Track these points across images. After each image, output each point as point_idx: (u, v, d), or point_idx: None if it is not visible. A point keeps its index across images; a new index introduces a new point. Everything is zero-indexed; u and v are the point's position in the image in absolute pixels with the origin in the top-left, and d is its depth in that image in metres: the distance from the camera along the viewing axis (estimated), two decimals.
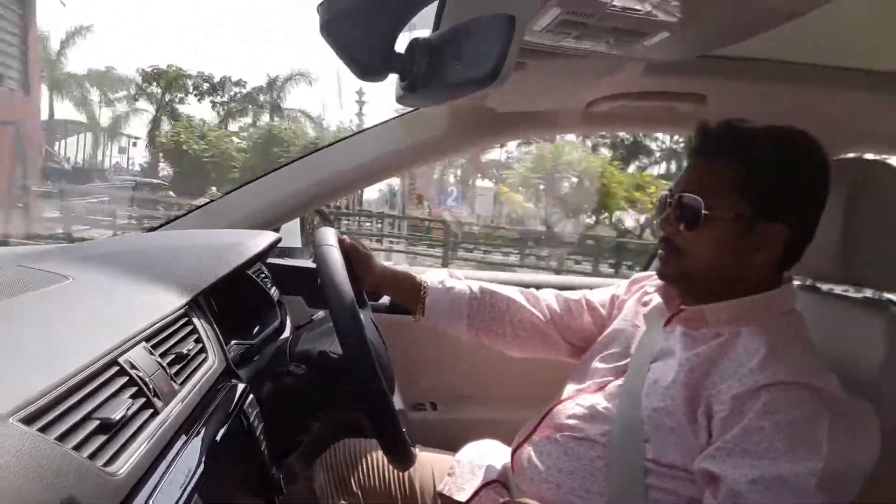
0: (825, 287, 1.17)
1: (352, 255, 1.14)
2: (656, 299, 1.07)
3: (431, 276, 1.23)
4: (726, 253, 0.93)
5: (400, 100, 0.78)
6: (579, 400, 1.02)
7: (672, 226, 0.95)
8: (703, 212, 0.91)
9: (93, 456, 0.49)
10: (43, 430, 0.46)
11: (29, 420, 0.46)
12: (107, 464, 0.50)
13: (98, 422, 0.52)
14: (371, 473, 1.17)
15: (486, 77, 0.56)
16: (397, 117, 1.45)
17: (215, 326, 0.88)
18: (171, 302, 0.79)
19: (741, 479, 0.77)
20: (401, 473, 1.17)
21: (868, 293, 1.08)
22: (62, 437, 0.48)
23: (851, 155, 1.45)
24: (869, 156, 1.46)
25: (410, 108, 1.42)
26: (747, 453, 0.78)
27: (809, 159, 0.92)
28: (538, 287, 1.29)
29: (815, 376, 0.83)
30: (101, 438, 0.51)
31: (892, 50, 1.10)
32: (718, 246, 0.92)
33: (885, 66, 1.16)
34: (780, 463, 0.76)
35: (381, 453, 1.19)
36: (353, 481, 1.15)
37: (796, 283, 1.10)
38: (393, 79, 0.70)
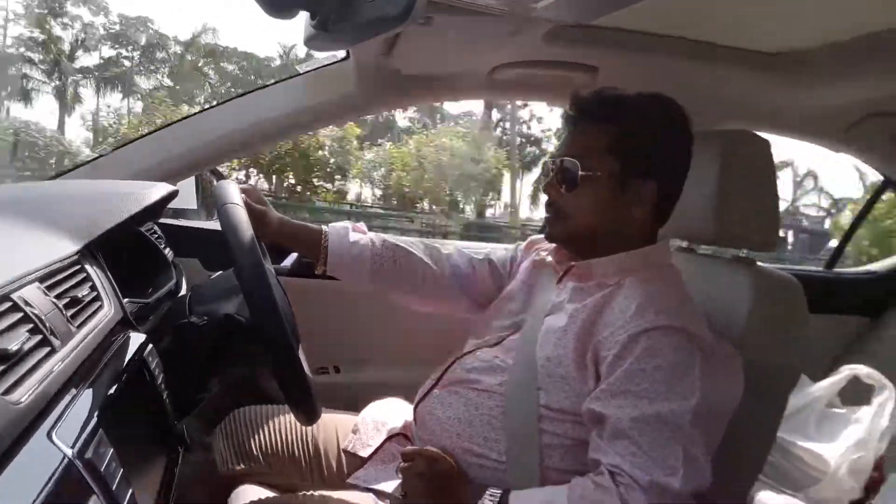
0: (700, 248, 1.29)
1: (247, 211, 1.10)
2: (549, 259, 1.13)
3: (333, 226, 1.19)
4: (604, 210, 1.00)
5: (309, 41, 0.77)
6: (479, 354, 1.06)
7: (555, 189, 1.02)
8: (580, 173, 0.98)
9: None
10: None
11: None
12: (6, 392, 0.48)
13: None
14: (273, 437, 1.15)
15: (399, 15, 0.58)
16: (301, 74, 1.42)
17: (110, 277, 0.84)
18: (63, 247, 0.75)
19: (624, 417, 0.84)
20: (304, 436, 1.16)
21: (737, 252, 1.19)
22: None
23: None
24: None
25: (315, 67, 1.40)
26: (629, 394, 0.85)
27: (673, 122, 1.01)
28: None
29: (689, 321, 0.91)
30: None
31: (758, 30, 1.22)
32: (596, 204, 0.99)
33: (752, 45, 1.29)
34: (659, 402, 0.84)
35: (282, 418, 1.17)
36: (253, 446, 1.13)
37: (675, 245, 1.20)
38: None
